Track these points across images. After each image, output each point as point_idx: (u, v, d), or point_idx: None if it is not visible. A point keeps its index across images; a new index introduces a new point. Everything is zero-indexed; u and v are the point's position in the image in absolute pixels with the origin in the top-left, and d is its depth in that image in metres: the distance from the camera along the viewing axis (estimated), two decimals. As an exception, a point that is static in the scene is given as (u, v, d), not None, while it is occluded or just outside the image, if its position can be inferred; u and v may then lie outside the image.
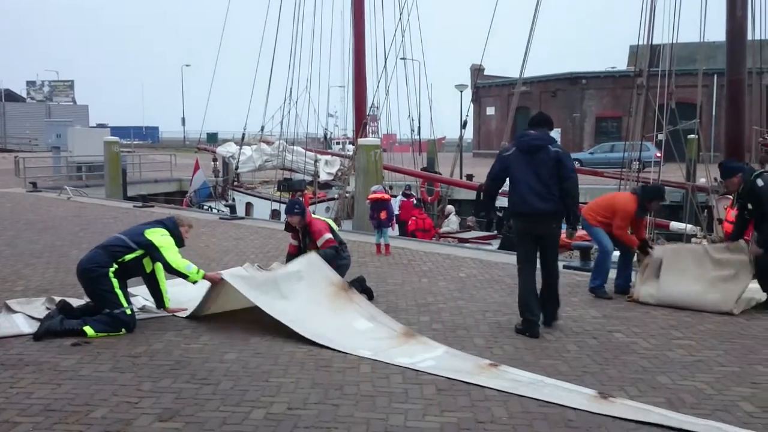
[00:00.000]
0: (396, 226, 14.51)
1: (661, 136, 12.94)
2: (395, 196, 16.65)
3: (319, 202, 18.92)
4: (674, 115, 12.40)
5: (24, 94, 65.01)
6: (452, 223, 18.51)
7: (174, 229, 6.44)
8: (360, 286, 7.13)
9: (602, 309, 7.07)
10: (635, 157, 13.41)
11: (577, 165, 6.77)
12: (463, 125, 19.82)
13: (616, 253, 7.95)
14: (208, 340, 5.81)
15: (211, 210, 20.04)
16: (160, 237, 6.26)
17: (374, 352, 5.54)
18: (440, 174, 21.36)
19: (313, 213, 8.35)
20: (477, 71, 41.83)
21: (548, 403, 4.48)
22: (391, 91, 20.28)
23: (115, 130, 38.75)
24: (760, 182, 6.88)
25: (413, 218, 15.77)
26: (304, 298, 6.45)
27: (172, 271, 6.26)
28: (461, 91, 33.76)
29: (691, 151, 18.89)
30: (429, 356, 5.46)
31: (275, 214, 18.27)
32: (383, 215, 10.67)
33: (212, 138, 43.83)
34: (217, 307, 6.57)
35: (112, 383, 4.75)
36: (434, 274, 8.89)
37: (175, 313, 6.55)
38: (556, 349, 5.72)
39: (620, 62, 49.36)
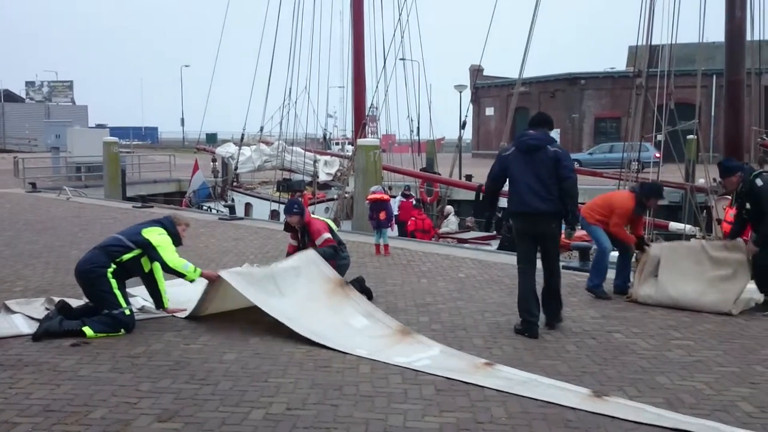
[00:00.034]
0: (395, 227, 14.52)
1: (660, 137, 12.94)
2: (394, 197, 16.65)
3: (318, 202, 18.92)
4: (673, 115, 12.40)
5: (23, 95, 64.91)
6: (451, 223, 18.51)
7: (171, 228, 6.44)
8: (359, 286, 7.13)
9: (601, 309, 7.07)
10: (634, 157, 13.42)
11: (576, 165, 6.78)
12: (462, 126, 19.84)
13: (615, 254, 7.96)
14: (207, 341, 5.81)
15: (211, 210, 20.03)
16: (157, 236, 6.26)
17: (371, 351, 5.55)
18: (439, 174, 21.37)
19: (313, 213, 8.35)
20: (476, 72, 41.86)
21: (546, 402, 4.48)
22: (390, 92, 20.28)
23: (115, 131, 38.74)
24: (759, 182, 6.89)
25: (412, 219, 15.78)
26: (302, 294, 6.45)
27: (169, 270, 6.27)
28: (460, 92, 33.82)
29: (690, 151, 18.89)
30: (425, 356, 5.47)
31: (274, 215, 18.26)
32: (382, 216, 10.68)
33: (211, 138, 43.87)
34: (216, 308, 6.57)
35: (112, 384, 4.75)
36: (433, 274, 8.89)
37: (174, 314, 6.55)
38: (555, 349, 5.73)
39: (619, 63, 49.41)
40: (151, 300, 6.61)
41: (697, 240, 9.31)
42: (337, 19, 24.80)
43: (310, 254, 7.00)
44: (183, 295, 6.77)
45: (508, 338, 6.02)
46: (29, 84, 66.10)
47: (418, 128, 23.87)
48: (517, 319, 6.26)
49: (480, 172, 25.81)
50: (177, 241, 6.46)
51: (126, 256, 6.16)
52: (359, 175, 15.01)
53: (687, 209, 13.39)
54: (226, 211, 19.56)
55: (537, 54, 18.51)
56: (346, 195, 18.39)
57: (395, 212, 14.85)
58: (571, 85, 44.26)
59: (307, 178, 20.63)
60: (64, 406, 4.36)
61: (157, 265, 6.34)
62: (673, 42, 12.67)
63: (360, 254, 10.17)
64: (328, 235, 7.38)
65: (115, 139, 24.73)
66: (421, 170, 22.11)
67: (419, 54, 24.32)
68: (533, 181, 6.07)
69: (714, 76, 29.73)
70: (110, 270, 6.05)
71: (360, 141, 16.43)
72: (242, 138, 23.31)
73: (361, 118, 19.94)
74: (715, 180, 11.23)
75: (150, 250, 6.20)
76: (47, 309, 6.38)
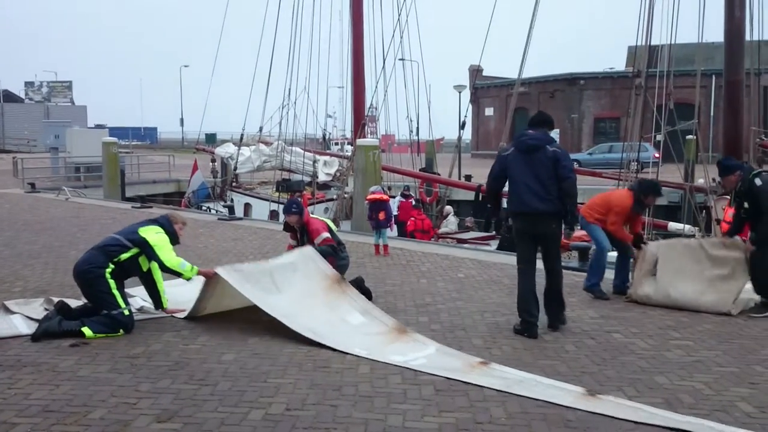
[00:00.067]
0: (394, 227, 14.52)
1: (659, 137, 12.94)
2: (394, 197, 16.64)
3: (317, 202, 18.91)
4: (672, 115, 12.40)
5: (22, 95, 64.86)
6: (451, 223, 18.51)
7: (168, 226, 6.44)
8: (359, 286, 7.13)
9: (600, 309, 7.07)
10: (633, 157, 13.42)
11: (575, 165, 6.79)
12: (462, 126, 19.81)
13: (614, 254, 7.96)
14: (207, 341, 5.81)
15: (210, 211, 20.02)
16: (154, 235, 6.26)
17: (367, 350, 5.56)
18: (439, 175, 21.36)
19: (312, 213, 8.35)
20: (475, 72, 41.87)
21: (545, 402, 4.48)
22: (389, 92, 20.28)
23: (114, 131, 38.68)
24: (758, 181, 6.88)
25: (412, 219, 15.77)
26: (298, 289, 6.46)
27: (166, 269, 6.28)
28: (460, 92, 33.82)
29: (690, 151, 18.90)
30: (421, 354, 5.49)
31: (274, 215, 18.25)
32: (382, 216, 10.68)
33: (211, 139, 43.83)
34: (214, 307, 6.57)
35: (111, 384, 4.75)
36: (433, 274, 8.89)
37: (173, 314, 6.55)
38: (555, 349, 5.73)
39: (618, 63, 49.39)
40: (150, 300, 6.61)
41: (696, 239, 9.29)
42: (337, 19, 24.84)
43: (307, 251, 7.01)
44: (182, 295, 6.77)
45: (507, 338, 6.02)
46: (28, 84, 66.04)
47: (418, 128, 23.89)
48: (516, 319, 6.26)
49: (479, 172, 25.83)
50: (174, 239, 6.46)
51: (124, 256, 6.15)
52: (358, 175, 15.00)
53: (686, 209, 13.39)
54: (225, 211, 19.56)
55: (536, 54, 18.54)
56: (346, 195, 18.38)
57: (394, 212, 14.84)
58: (570, 86, 44.27)
59: (307, 179, 20.62)
60: (63, 406, 4.36)
61: (155, 265, 6.34)
62: (673, 42, 12.67)
63: (359, 254, 10.17)
64: (326, 235, 7.39)
65: (114, 139, 24.69)
66: (420, 170, 22.10)
67: (419, 54, 24.23)
68: (532, 181, 6.07)
69: (713, 77, 29.73)
70: (108, 270, 6.05)
71: (359, 141, 16.41)
72: (241, 138, 23.30)
73: (360, 119, 19.93)
74: (714, 180, 11.23)
75: (147, 249, 6.20)
76: (46, 309, 6.37)
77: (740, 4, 11.91)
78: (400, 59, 20.74)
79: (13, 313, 6.36)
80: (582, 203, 7.84)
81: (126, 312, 6.01)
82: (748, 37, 12.63)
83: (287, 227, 7.81)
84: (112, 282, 6.03)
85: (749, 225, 7.19)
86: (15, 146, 48.40)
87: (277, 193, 20.12)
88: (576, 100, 44.04)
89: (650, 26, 12.54)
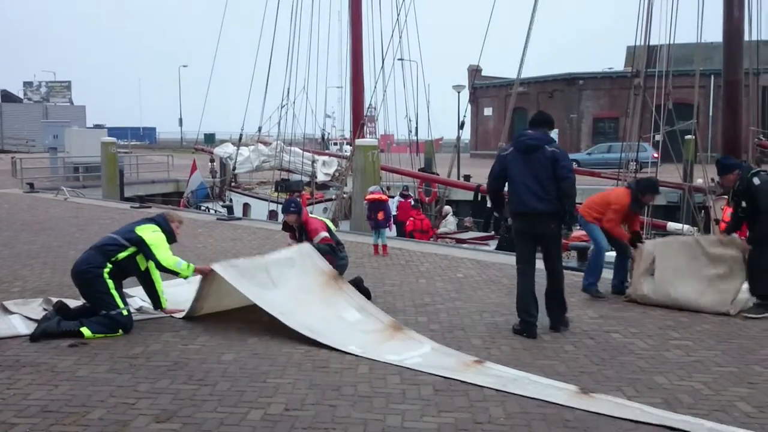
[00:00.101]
0: (393, 227, 14.52)
1: (658, 137, 12.95)
2: (393, 197, 16.64)
3: (316, 202, 18.90)
4: (671, 115, 12.41)
5: (21, 95, 64.80)
6: (450, 223, 18.52)
7: (165, 225, 6.44)
8: (357, 286, 7.13)
9: (599, 309, 7.08)
10: (632, 157, 13.42)
11: (574, 165, 6.80)
12: (461, 126, 19.80)
13: (613, 254, 7.96)
14: (206, 341, 5.80)
15: (209, 211, 20.02)
16: (151, 233, 6.26)
17: (363, 348, 5.58)
18: (438, 175, 21.36)
19: (311, 213, 8.35)
20: (474, 72, 41.84)
21: (545, 402, 4.49)
22: (388, 92, 20.30)
23: (113, 131, 38.63)
24: (756, 181, 6.88)
25: (411, 219, 15.77)
26: (295, 285, 6.46)
27: (162, 269, 6.28)
28: (459, 92, 33.81)
29: (689, 151, 18.92)
30: (416, 353, 5.51)
31: (273, 215, 18.25)
32: (381, 216, 10.68)
33: (210, 139, 43.78)
34: (212, 306, 6.57)
35: (110, 384, 4.75)
36: (432, 274, 8.89)
37: (172, 314, 6.54)
38: (554, 349, 5.73)
39: (617, 63, 49.46)
40: (149, 300, 6.60)
41: (693, 236, 9.26)
42: (336, 19, 24.82)
43: (305, 247, 7.03)
44: (181, 295, 6.77)
45: (506, 338, 6.02)
46: (27, 84, 65.96)
47: (417, 128, 23.89)
48: (515, 319, 6.26)
49: (478, 172, 25.83)
50: (171, 238, 6.46)
51: (121, 255, 6.15)
52: (357, 175, 15.00)
53: (685, 209, 13.40)
54: (224, 211, 19.55)
55: (535, 54, 18.56)
56: (345, 195, 18.37)
57: (393, 212, 14.85)
58: (569, 86, 44.28)
59: (306, 179, 20.63)
60: (62, 406, 4.36)
61: (153, 264, 6.34)
62: (671, 42, 12.68)
63: (358, 254, 10.17)
64: (325, 234, 7.40)
65: (113, 139, 24.67)
66: (419, 170, 22.11)
67: (417, 54, 24.43)
68: (531, 181, 6.07)
69: (712, 77, 29.79)
70: (106, 270, 6.04)
71: (358, 141, 16.41)
72: (240, 138, 23.30)
73: (359, 119, 19.93)
74: (713, 180, 11.24)
75: (144, 248, 6.20)
76: (45, 309, 6.37)
77: (739, 4, 11.91)
78: (399, 59, 20.76)
79: (11, 313, 6.35)
80: (580, 203, 7.84)
81: (125, 312, 6.01)
82: (746, 37, 12.63)
83: (286, 227, 7.82)
84: (110, 282, 6.03)
85: (747, 224, 7.18)
86: (14, 146, 48.34)
87: (276, 193, 20.12)
88: (575, 100, 44.05)
89: (649, 26, 12.56)
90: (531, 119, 6.48)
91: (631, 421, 4.21)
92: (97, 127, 43.15)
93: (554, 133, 6.46)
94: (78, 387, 4.69)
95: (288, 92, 20.92)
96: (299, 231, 7.60)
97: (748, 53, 13.23)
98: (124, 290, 6.28)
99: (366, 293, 7.19)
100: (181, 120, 69.49)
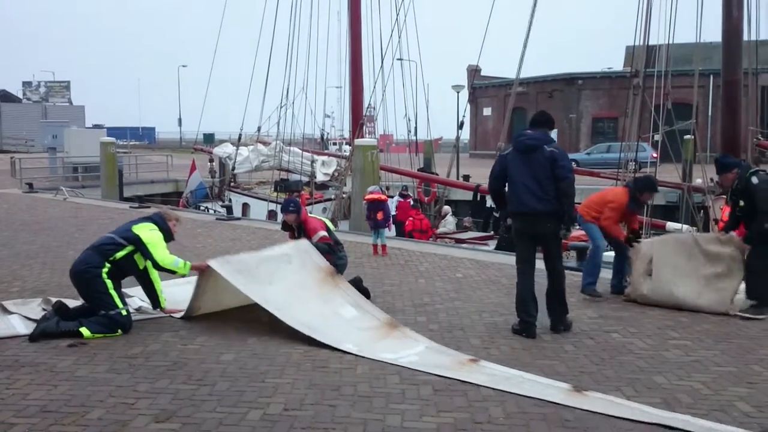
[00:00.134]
0: (393, 227, 14.52)
1: (657, 137, 12.95)
2: (392, 197, 16.64)
3: (316, 202, 18.91)
4: (670, 115, 12.41)
5: (20, 95, 64.79)
6: (449, 223, 18.52)
7: (162, 223, 6.45)
8: (357, 286, 7.14)
9: (599, 309, 7.08)
10: (631, 157, 13.42)
11: (573, 165, 6.77)
12: (460, 126, 19.82)
13: (612, 254, 7.95)
14: (205, 341, 5.80)
15: (208, 211, 20.02)
16: (148, 232, 6.26)
17: (359, 345, 5.60)
18: (437, 174, 21.36)
19: (310, 213, 8.36)
20: (474, 72, 41.87)
21: (545, 402, 4.49)
22: (387, 92, 20.27)
23: (112, 131, 38.65)
24: (755, 180, 6.87)
25: (410, 219, 15.78)
26: (291, 281, 6.47)
27: (160, 268, 6.28)
28: (458, 92, 33.80)
29: (688, 151, 18.92)
30: (412, 352, 5.53)
31: (272, 215, 18.25)
32: (380, 216, 10.68)
33: (209, 138, 43.81)
34: (212, 306, 6.57)
35: (109, 384, 4.74)
36: (431, 274, 8.89)
37: (171, 314, 6.54)
38: (553, 349, 5.73)
39: (616, 63, 49.54)
40: (147, 300, 6.60)
41: (689, 233, 9.22)
42: (335, 19, 24.80)
43: (302, 243, 7.04)
44: (180, 295, 6.76)
45: (505, 338, 6.02)
46: (26, 84, 65.97)
47: (416, 128, 23.90)
48: (514, 319, 6.26)
49: (477, 172, 25.84)
50: (168, 236, 6.46)
51: (119, 254, 6.15)
52: (357, 175, 14.99)
53: (684, 209, 13.40)
54: (223, 211, 19.55)
55: (534, 54, 18.55)
56: (344, 195, 18.37)
57: (393, 212, 14.85)
58: (568, 85, 44.30)
59: (305, 179, 20.63)
60: (61, 406, 4.35)
61: (150, 264, 6.34)
62: (671, 42, 12.68)
63: (357, 254, 10.17)
64: (323, 233, 7.41)
65: (112, 139, 24.65)
66: (418, 170, 22.12)
67: (417, 54, 24.38)
68: (530, 181, 6.07)
69: (711, 76, 29.80)
70: (105, 270, 6.04)
71: (357, 141, 16.41)
72: (239, 138, 23.30)
73: (358, 118, 19.93)
74: (712, 180, 11.24)
75: (140, 247, 6.20)
76: (44, 309, 6.37)
77: (738, 4, 11.90)
78: (398, 59, 20.75)
79: (11, 313, 6.35)
80: (579, 203, 7.84)
81: (124, 312, 6.01)
82: (745, 37, 12.64)
83: (285, 226, 7.83)
84: (108, 282, 6.03)
85: (744, 223, 7.16)
86: (13, 146, 48.34)
87: (275, 193, 20.13)
88: (574, 100, 44.06)
89: (648, 26, 12.56)
90: (531, 119, 6.47)
91: (625, 419, 4.23)
92: (96, 127, 43.18)
93: (553, 133, 6.45)
94: (77, 387, 4.69)
95: (287, 92, 20.93)
96: (298, 230, 7.60)
97: (747, 53, 13.22)
98: (123, 290, 6.28)
99: (365, 293, 7.20)
100: (180, 120, 69.53)
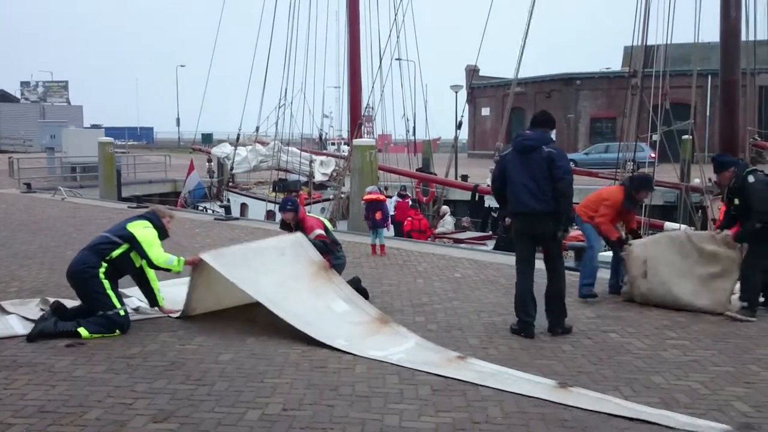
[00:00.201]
0: (391, 227, 14.52)
1: (655, 137, 12.96)
2: (390, 197, 16.65)
3: (314, 202, 18.91)
4: (668, 115, 12.43)
5: (18, 95, 64.71)
6: (447, 223, 18.51)
7: (156, 221, 6.45)
8: (356, 286, 7.14)
9: (597, 309, 7.08)
10: (630, 157, 13.44)
11: (571, 165, 6.74)
12: (459, 126, 19.83)
13: (610, 253, 7.95)
14: (203, 341, 5.80)
15: (206, 211, 20.01)
16: (142, 230, 6.26)
17: (349, 341, 5.63)
18: (435, 175, 21.37)
19: (309, 213, 8.36)
20: (472, 72, 41.92)
21: (541, 401, 4.50)
22: (386, 92, 20.25)
23: (110, 131, 38.61)
24: (751, 179, 6.86)
25: (409, 219, 15.78)
26: (285, 272, 6.49)
27: (155, 267, 6.28)
28: (456, 92, 33.82)
29: (686, 151, 18.93)
30: (401, 349, 5.57)
31: (270, 215, 18.25)
32: (378, 216, 10.69)
33: (207, 139, 43.83)
34: (207, 305, 6.58)
35: (107, 384, 4.74)
36: (430, 274, 8.89)
37: (170, 314, 6.54)
38: (552, 349, 5.73)
39: (615, 63, 49.62)
40: (145, 300, 6.60)
41: (682, 231, 9.19)
42: (333, 19, 24.80)
43: (298, 236, 7.06)
44: (179, 294, 6.75)
45: (504, 338, 6.02)
46: (24, 84, 65.87)
47: (414, 128, 23.93)
48: (512, 319, 6.26)
49: (476, 172, 25.86)
50: (163, 233, 6.46)
51: (115, 253, 6.15)
52: (355, 175, 14.99)
53: (682, 209, 13.41)
54: (221, 211, 19.53)
55: (533, 54, 18.55)
56: (342, 195, 18.37)
57: (391, 212, 14.85)
58: (566, 86, 44.32)
59: (303, 179, 20.62)
60: (59, 406, 4.35)
61: (146, 262, 6.33)
62: (669, 42, 12.68)
63: (356, 254, 10.17)
64: (320, 231, 7.41)
65: (110, 139, 24.61)
66: (417, 170, 22.12)
67: (415, 54, 24.35)
68: (529, 182, 6.07)
69: (709, 77, 29.76)
70: (102, 270, 6.04)
71: (356, 141, 16.41)
72: (238, 138, 23.28)
73: (357, 118, 19.93)
74: (710, 180, 11.25)
75: (135, 245, 6.20)
76: (42, 310, 6.36)
77: (736, 4, 11.90)
78: (396, 59, 20.76)
79: (8, 313, 6.34)
80: (577, 203, 7.84)
81: (121, 312, 6.00)
82: (744, 37, 12.64)
83: (283, 225, 7.84)
84: (106, 282, 6.02)
85: (739, 223, 7.12)
86: (11, 146, 48.25)
87: (273, 193, 20.12)
88: (572, 100, 44.09)
89: (646, 26, 12.57)
90: (532, 119, 6.47)
91: (609, 414, 4.27)
92: (95, 127, 43.18)
93: (552, 134, 6.45)
94: (75, 387, 4.68)
95: (286, 92, 20.93)
96: (296, 229, 7.60)
97: (745, 53, 13.24)
98: (120, 290, 6.27)
99: (364, 293, 7.19)
100: (178, 120, 69.50)
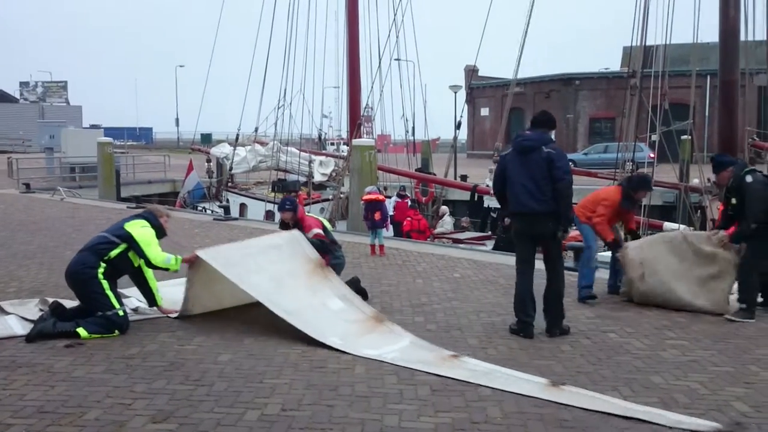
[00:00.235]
0: (390, 227, 14.52)
1: (654, 137, 12.98)
2: (390, 197, 16.65)
3: (313, 202, 18.91)
4: (667, 115, 12.44)
5: (17, 95, 64.66)
6: (447, 223, 18.52)
7: (154, 220, 6.45)
8: (355, 287, 7.13)
9: (596, 309, 7.08)
10: (629, 157, 13.45)
11: (570, 165, 6.73)
12: (458, 126, 19.85)
13: (608, 254, 7.94)
14: (202, 342, 5.80)
15: (205, 211, 20.00)
16: (140, 229, 6.26)
17: (344, 339, 5.64)
18: (434, 175, 21.38)
19: (308, 214, 8.36)
20: (471, 72, 41.91)
21: (540, 401, 4.50)
22: (385, 92, 20.27)
23: (109, 131, 38.57)
24: (749, 178, 6.84)
25: (408, 219, 15.79)
26: (281, 269, 6.50)
27: (152, 266, 6.29)
28: (455, 92, 33.81)
29: (685, 151, 18.93)
30: (395, 347, 5.59)
31: (269, 215, 18.25)
32: (377, 216, 10.69)
33: (206, 139, 43.86)
34: (206, 305, 6.58)
35: (106, 385, 4.74)
36: (429, 274, 8.89)
37: (169, 314, 6.53)
38: (551, 349, 5.73)
39: (614, 63, 49.63)
40: (144, 301, 6.59)
41: (678, 231, 9.17)
42: (332, 19, 24.79)
43: (295, 234, 7.06)
44: (177, 294, 6.75)
45: (503, 338, 6.02)
46: (23, 84, 65.83)
47: (414, 128, 23.92)
48: (512, 319, 6.26)
49: (475, 172, 25.86)
50: (160, 233, 6.46)
51: (113, 252, 6.15)
52: (354, 175, 15.00)
53: (681, 209, 13.42)
54: (220, 211, 19.54)
55: (532, 54, 18.60)
56: (342, 195, 18.37)
57: (391, 212, 14.85)
58: (565, 86, 44.35)
59: (302, 179, 20.62)
60: (58, 407, 4.35)
61: (143, 262, 6.33)
62: (668, 42, 12.70)
63: (355, 255, 10.17)
64: (319, 231, 7.41)
65: (109, 139, 24.62)
66: (416, 170, 22.13)
67: (414, 54, 24.28)
68: (528, 182, 6.06)
69: (708, 77, 29.81)
70: (100, 270, 6.03)
71: (355, 141, 16.42)
72: (237, 138, 23.28)
73: (356, 119, 19.94)
74: (709, 180, 11.26)
75: (133, 244, 6.20)
76: (41, 310, 6.36)
77: (735, 4, 11.92)
78: (395, 59, 20.77)
79: (7, 313, 6.34)
80: (576, 203, 7.83)
81: (121, 313, 6.00)
82: (742, 38, 12.65)
83: (283, 225, 7.84)
84: (105, 283, 6.02)
85: (737, 222, 7.10)
86: (10, 146, 48.20)
87: (272, 194, 20.12)
88: (571, 100, 44.12)
89: (645, 26, 12.59)
90: (532, 119, 6.47)
91: (605, 413, 4.29)
92: (94, 127, 43.16)
93: (551, 134, 6.44)
94: (74, 387, 4.68)
95: (285, 92, 20.93)
96: (295, 228, 7.61)
97: (743, 53, 13.25)
98: (119, 290, 6.27)
99: (363, 294, 7.20)
100: (177, 120, 69.50)
